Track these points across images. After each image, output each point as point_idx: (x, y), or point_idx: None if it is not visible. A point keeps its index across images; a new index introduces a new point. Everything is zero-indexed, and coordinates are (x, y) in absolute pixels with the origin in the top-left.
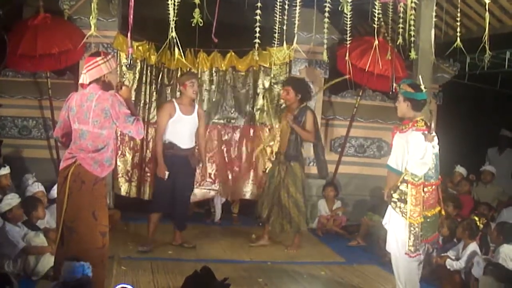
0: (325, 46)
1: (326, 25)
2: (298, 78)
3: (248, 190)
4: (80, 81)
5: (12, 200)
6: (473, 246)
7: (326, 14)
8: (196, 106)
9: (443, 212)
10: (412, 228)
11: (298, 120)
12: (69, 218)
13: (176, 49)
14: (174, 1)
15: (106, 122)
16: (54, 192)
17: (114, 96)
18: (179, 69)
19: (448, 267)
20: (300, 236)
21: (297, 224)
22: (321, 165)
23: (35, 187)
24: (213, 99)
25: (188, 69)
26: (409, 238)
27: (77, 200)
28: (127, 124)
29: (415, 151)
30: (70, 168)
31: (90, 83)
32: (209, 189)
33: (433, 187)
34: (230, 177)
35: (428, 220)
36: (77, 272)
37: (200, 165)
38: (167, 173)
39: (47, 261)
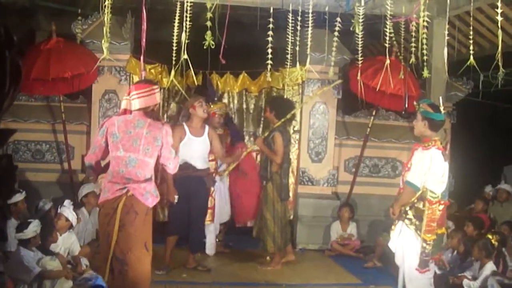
0: (332, 63)
1: (335, 43)
2: (277, 97)
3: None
4: (124, 106)
5: (37, 227)
6: (490, 266)
7: (336, 34)
8: (207, 128)
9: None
10: (424, 245)
11: (268, 141)
12: (121, 251)
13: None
14: (186, 24)
15: (155, 151)
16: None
17: (164, 125)
18: (190, 91)
19: (465, 287)
20: (277, 256)
21: (264, 244)
22: (281, 188)
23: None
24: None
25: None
26: (421, 254)
27: (130, 232)
28: (170, 156)
29: (436, 169)
30: (120, 199)
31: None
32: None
33: (444, 206)
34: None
35: (437, 238)
36: None
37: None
38: (176, 197)
39: (62, 285)
